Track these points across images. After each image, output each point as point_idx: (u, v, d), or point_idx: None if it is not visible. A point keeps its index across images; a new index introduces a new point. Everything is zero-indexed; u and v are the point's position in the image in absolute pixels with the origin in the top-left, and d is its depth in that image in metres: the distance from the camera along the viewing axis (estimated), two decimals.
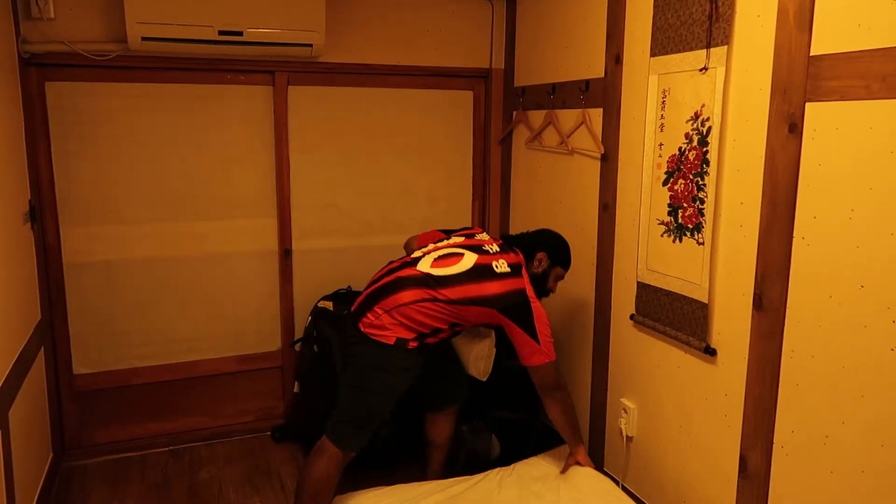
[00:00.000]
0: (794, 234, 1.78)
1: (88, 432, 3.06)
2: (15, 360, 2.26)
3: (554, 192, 3.02)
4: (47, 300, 2.86)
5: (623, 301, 2.53)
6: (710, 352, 2.08)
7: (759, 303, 1.90)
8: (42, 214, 2.83)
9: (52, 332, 2.90)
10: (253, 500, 2.73)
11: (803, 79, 1.73)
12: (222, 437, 3.22)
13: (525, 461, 2.48)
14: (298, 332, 3.28)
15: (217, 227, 3.12)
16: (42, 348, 2.75)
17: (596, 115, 2.66)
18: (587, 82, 2.70)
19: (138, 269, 3.02)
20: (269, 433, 3.26)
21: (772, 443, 1.88)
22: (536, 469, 2.41)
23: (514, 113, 3.31)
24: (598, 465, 2.71)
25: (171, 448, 3.14)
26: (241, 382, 3.27)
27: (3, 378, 2.09)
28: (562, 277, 2.52)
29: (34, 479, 2.51)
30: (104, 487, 2.81)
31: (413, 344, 2.20)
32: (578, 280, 2.82)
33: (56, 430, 2.94)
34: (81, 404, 3.03)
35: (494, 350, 2.60)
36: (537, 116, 3.11)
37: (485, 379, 2.61)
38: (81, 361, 3.00)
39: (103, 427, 3.08)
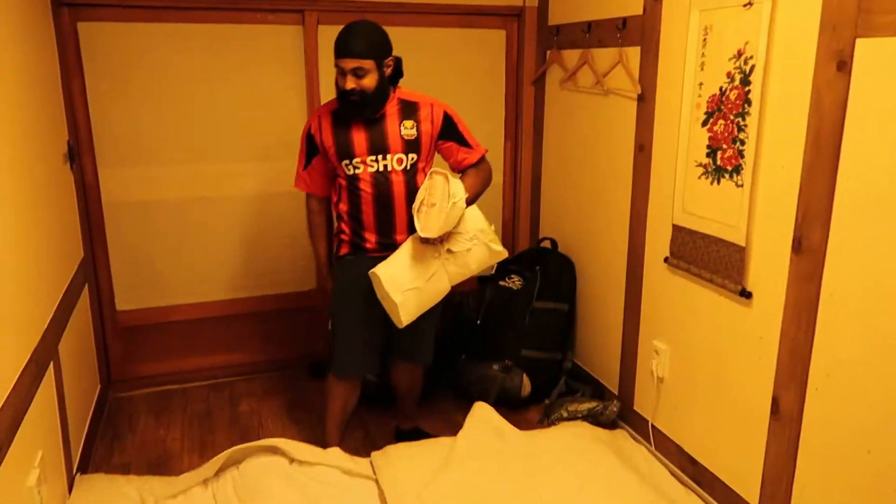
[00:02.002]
0: (839, 176, 1.74)
1: (133, 366, 3.19)
2: (62, 295, 2.34)
3: (588, 134, 2.98)
4: (88, 239, 2.94)
5: (657, 244, 2.52)
6: (746, 295, 2.08)
7: (798, 246, 1.88)
8: (80, 155, 2.88)
9: (94, 270, 2.99)
10: (291, 431, 2.84)
11: (854, 13, 1.66)
12: (260, 373, 3.33)
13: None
14: None
15: (251, 168, 3.15)
16: (86, 285, 2.84)
17: (633, 54, 2.60)
18: (624, 20, 2.62)
19: (173, 209, 3.08)
20: (305, 369, 3.36)
21: (805, 385, 1.89)
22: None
23: (548, 52, 3.24)
24: (628, 405, 2.76)
25: (211, 382, 3.26)
26: (278, 320, 3.35)
27: (52, 313, 2.17)
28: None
29: (84, 409, 2.63)
30: (150, 417, 2.94)
31: (344, 249, 2.37)
32: (612, 222, 2.81)
33: (102, 364, 3.06)
34: (125, 339, 3.14)
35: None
36: (572, 56, 3.04)
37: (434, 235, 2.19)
38: (123, 298, 3.10)
39: (147, 361, 3.20)
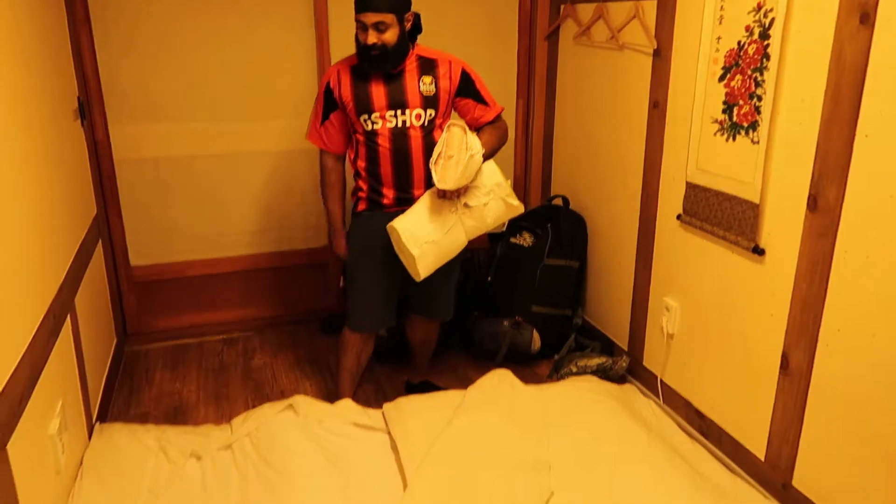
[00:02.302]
0: (857, 132, 1.72)
1: (148, 320, 3.23)
2: (77, 250, 2.36)
3: (602, 90, 2.94)
4: (101, 195, 2.95)
5: (670, 201, 2.51)
6: (759, 251, 2.08)
7: (813, 203, 1.87)
8: (91, 111, 2.87)
9: (107, 226, 3.01)
10: (304, 385, 2.89)
11: None
12: (273, 327, 3.38)
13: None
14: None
15: (260, 126, 3.14)
16: (100, 241, 2.86)
17: (649, 7, 2.55)
18: None
19: (184, 166, 3.08)
20: (317, 324, 3.40)
21: (816, 341, 1.90)
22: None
23: (562, 7, 3.18)
24: (638, 361, 2.79)
25: (225, 336, 3.30)
26: (290, 276, 3.38)
27: (67, 268, 2.19)
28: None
29: (101, 361, 2.68)
30: (165, 370, 3.00)
31: (361, 206, 2.36)
32: (625, 180, 2.80)
33: (118, 318, 3.10)
34: (140, 294, 3.18)
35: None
36: (586, 10, 2.98)
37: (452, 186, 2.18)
38: (137, 254, 3.13)
39: (161, 315, 3.25)
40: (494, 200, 2.26)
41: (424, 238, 2.20)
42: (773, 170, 2.02)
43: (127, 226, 3.08)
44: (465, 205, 2.24)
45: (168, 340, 3.24)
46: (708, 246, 2.33)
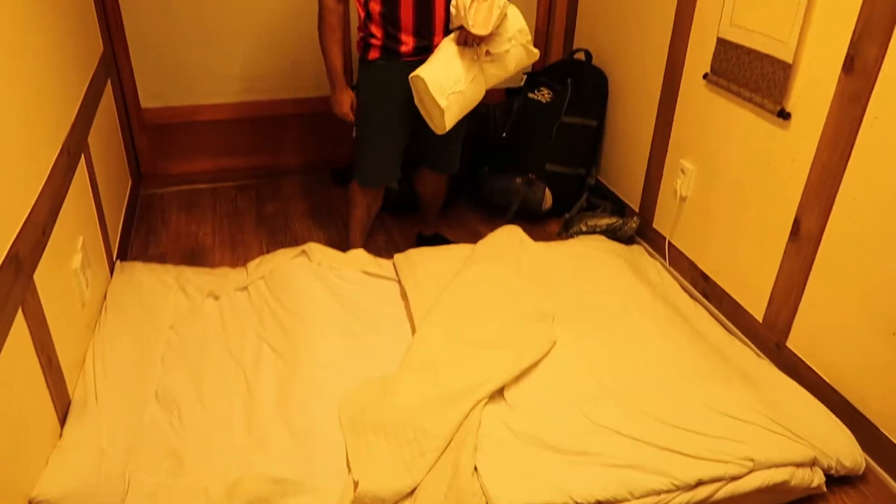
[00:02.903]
0: None
1: (162, 163, 3.24)
2: (86, 87, 2.32)
3: None
4: (107, 32, 2.85)
5: (698, 59, 2.40)
6: (784, 115, 2.01)
7: (849, 64, 1.78)
8: None
9: (116, 64, 2.94)
10: (316, 232, 2.94)
11: None
12: (285, 176, 3.39)
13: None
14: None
15: None
16: (109, 80, 2.80)
17: None
18: None
19: (192, 4, 2.94)
20: (328, 174, 3.40)
21: (830, 208, 1.89)
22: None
23: None
24: (647, 223, 2.80)
25: (238, 183, 3.32)
26: (302, 125, 3.34)
27: (78, 106, 2.16)
28: None
29: (118, 202, 2.72)
30: (181, 214, 3.05)
31: (374, 54, 2.22)
32: (653, 34, 2.66)
33: (132, 161, 3.11)
34: (152, 136, 3.17)
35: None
36: None
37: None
38: (147, 95, 3.07)
39: (175, 160, 3.25)
40: (515, 47, 2.17)
41: (450, 89, 2.12)
42: (811, 27, 1.90)
43: (135, 66, 3.00)
44: (487, 52, 2.15)
45: (182, 185, 3.26)
46: (732, 108, 2.26)
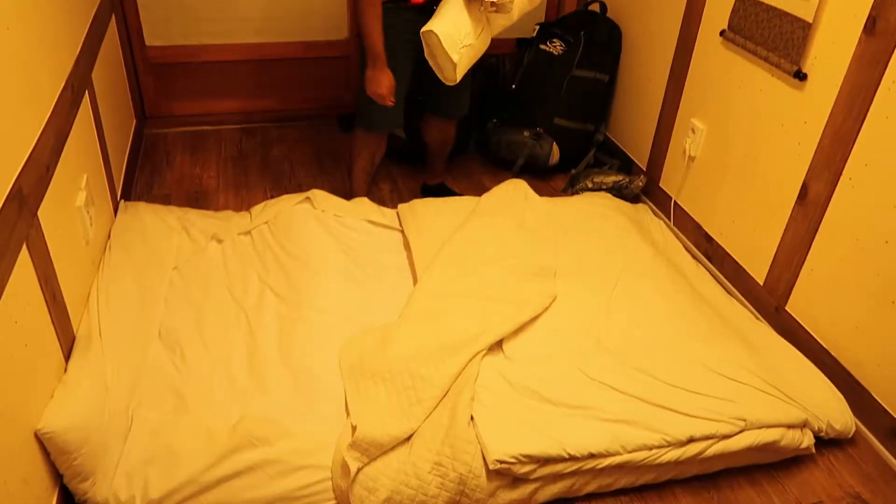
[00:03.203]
0: None
1: (166, 103, 3.21)
2: (90, 23, 2.28)
3: None
4: None
5: (716, 15, 2.34)
6: (801, 76, 1.98)
7: (871, 25, 1.73)
8: None
9: (120, 1, 2.87)
10: (320, 179, 2.92)
11: None
12: (291, 121, 3.35)
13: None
14: None
15: None
16: (113, 17, 2.75)
17: None
18: None
19: None
20: (334, 120, 3.37)
21: (840, 174, 1.87)
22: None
23: None
24: (654, 182, 2.78)
25: (243, 126, 3.29)
26: (309, 69, 3.29)
27: (81, 42, 2.13)
28: None
29: (122, 141, 2.70)
30: (185, 154, 3.03)
31: None
32: None
33: (136, 99, 3.08)
34: (157, 76, 3.12)
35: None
36: None
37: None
38: (152, 34, 3.02)
39: (179, 100, 3.21)
40: None
41: (462, 42, 2.09)
42: None
43: (140, 1, 2.94)
44: (492, 3, 2.11)
45: (187, 126, 3.23)
46: (747, 67, 2.21)
